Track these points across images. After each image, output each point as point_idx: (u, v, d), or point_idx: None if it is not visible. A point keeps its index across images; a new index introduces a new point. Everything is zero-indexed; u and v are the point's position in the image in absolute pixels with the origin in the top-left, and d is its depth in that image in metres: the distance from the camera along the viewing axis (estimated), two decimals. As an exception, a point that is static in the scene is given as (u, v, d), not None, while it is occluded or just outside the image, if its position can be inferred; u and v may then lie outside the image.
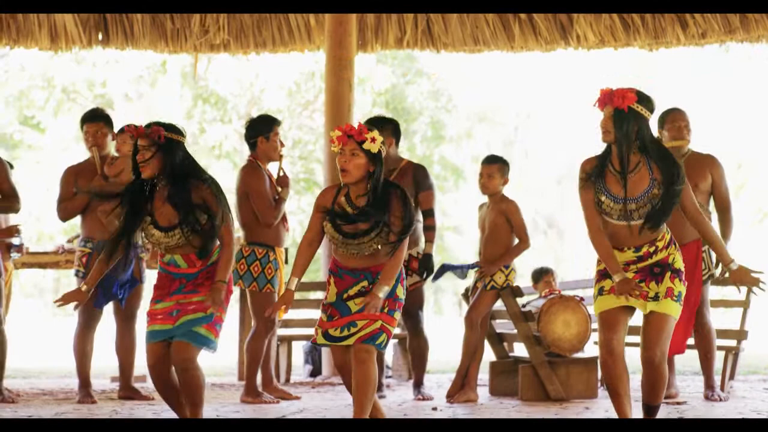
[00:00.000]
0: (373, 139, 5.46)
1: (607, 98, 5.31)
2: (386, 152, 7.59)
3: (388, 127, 7.71)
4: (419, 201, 7.67)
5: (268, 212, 7.46)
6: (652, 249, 5.34)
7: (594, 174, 5.37)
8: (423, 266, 7.65)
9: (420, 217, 7.67)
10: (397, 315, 5.52)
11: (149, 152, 5.57)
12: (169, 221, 5.57)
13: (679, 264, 5.38)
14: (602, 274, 5.42)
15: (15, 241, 8.12)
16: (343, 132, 5.49)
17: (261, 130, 7.59)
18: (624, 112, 5.27)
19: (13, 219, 8.25)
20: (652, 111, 5.35)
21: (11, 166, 7.88)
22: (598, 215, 5.37)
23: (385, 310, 5.47)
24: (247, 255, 7.51)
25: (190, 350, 5.55)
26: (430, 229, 7.65)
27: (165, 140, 5.57)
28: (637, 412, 5.63)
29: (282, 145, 7.67)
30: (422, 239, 7.70)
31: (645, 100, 5.33)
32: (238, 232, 9.49)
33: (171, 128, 5.64)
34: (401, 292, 5.54)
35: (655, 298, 5.31)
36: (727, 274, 5.56)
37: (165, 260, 5.64)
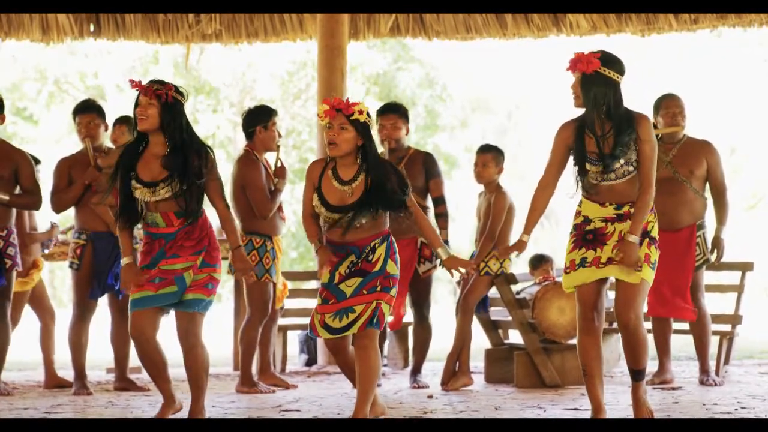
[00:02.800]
0: (361, 111, 5.49)
1: (575, 63, 5.40)
2: (401, 139, 7.70)
3: (404, 113, 7.77)
4: (429, 188, 7.73)
5: (264, 204, 7.47)
6: (633, 210, 5.39)
7: (573, 139, 5.45)
8: None
9: (429, 203, 7.74)
10: (393, 291, 5.54)
11: (153, 108, 5.58)
12: (152, 177, 5.59)
13: (655, 232, 5.46)
14: (582, 240, 5.44)
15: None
16: (331, 106, 5.52)
17: (259, 119, 7.61)
18: (591, 76, 5.35)
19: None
20: (621, 73, 5.41)
21: (37, 161, 7.99)
22: (555, 174, 5.52)
23: (378, 289, 5.48)
24: (245, 244, 7.52)
25: (194, 324, 5.59)
26: (442, 216, 7.72)
27: (171, 99, 5.59)
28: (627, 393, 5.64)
29: (279, 135, 7.68)
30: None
31: (612, 63, 5.40)
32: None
33: (176, 89, 5.66)
34: (392, 268, 5.55)
35: (635, 263, 5.37)
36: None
37: (147, 221, 5.67)
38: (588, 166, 5.41)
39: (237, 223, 7.67)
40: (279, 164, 7.66)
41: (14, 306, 8.17)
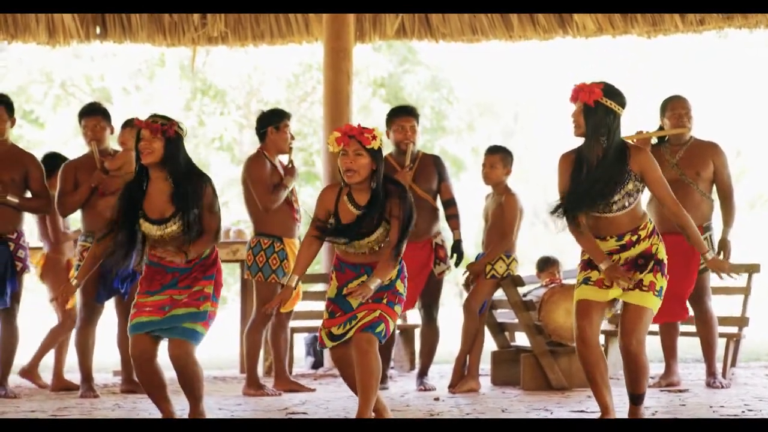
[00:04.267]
0: (374, 137, 5.46)
1: (577, 93, 5.40)
2: (415, 142, 7.75)
3: (418, 116, 7.83)
4: (441, 191, 7.81)
5: (265, 197, 7.52)
6: (634, 238, 5.40)
7: (571, 169, 5.44)
8: (455, 252, 7.79)
9: (438, 205, 7.80)
10: (398, 309, 5.52)
11: (158, 142, 5.53)
12: (160, 214, 5.55)
13: (662, 255, 5.45)
14: (587, 264, 5.47)
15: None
16: (344, 133, 5.47)
17: (271, 120, 7.73)
18: (593, 106, 5.35)
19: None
20: (623, 105, 5.41)
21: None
22: None
23: (384, 302, 5.47)
24: (253, 246, 7.60)
25: (186, 346, 5.52)
26: (454, 217, 7.82)
27: (174, 134, 5.57)
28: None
29: (292, 138, 7.74)
30: (437, 227, 7.79)
31: (614, 95, 5.40)
32: (240, 225, 9.49)
33: (177, 124, 5.63)
34: (401, 287, 5.54)
35: (640, 283, 5.37)
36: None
37: (159, 254, 5.59)
38: None
39: (248, 228, 7.72)
40: (290, 165, 7.73)
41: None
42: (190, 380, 5.58)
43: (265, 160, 7.62)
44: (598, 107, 5.35)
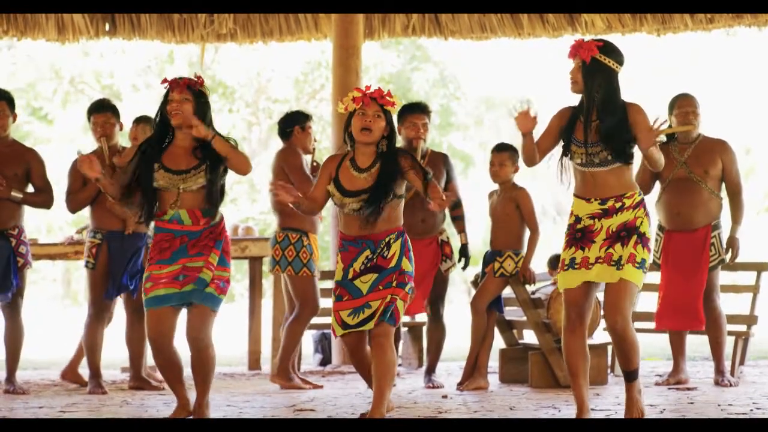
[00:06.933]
0: (394, 104, 5.60)
1: (575, 50, 5.49)
2: (424, 140, 7.76)
3: (430, 114, 7.84)
4: (447, 190, 7.77)
5: (304, 183, 7.55)
6: (618, 204, 5.43)
7: (566, 122, 5.53)
8: (463, 256, 7.79)
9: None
10: (408, 288, 5.54)
11: (188, 103, 5.64)
12: (180, 167, 5.64)
13: (646, 229, 5.44)
14: (572, 237, 5.47)
15: None
16: (366, 94, 5.57)
17: (297, 120, 7.81)
18: (590, 64, 5.44)
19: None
20: (620, 63, 5.48)
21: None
22: (546, 145, 5.55)
23: (394, 284, 5.48)
24: (280, 240, 7.63)
25: (207, 322, 5.59)
26: (460, 218, 7.83)
27: (200, 92, 5.67)
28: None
29: (315, 139, 7.82)
30: (443, 224, 7.79)
31: (611, 52, 5.47)
32: (249, 222, 9.48)
33: (203, 82, 5.75)
34: (407, 265, 5.56)
35: (618, 262, 5.36)
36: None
37: (167, 217, 5.63)
38: (573, 148, 5.47)
39: (275, 218, 7.78)
40: (315, 164, 7.79)
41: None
42: (203, 363, 5.63)
43: (299, 152, 7.70)
44: (595, 64, 5.42)
